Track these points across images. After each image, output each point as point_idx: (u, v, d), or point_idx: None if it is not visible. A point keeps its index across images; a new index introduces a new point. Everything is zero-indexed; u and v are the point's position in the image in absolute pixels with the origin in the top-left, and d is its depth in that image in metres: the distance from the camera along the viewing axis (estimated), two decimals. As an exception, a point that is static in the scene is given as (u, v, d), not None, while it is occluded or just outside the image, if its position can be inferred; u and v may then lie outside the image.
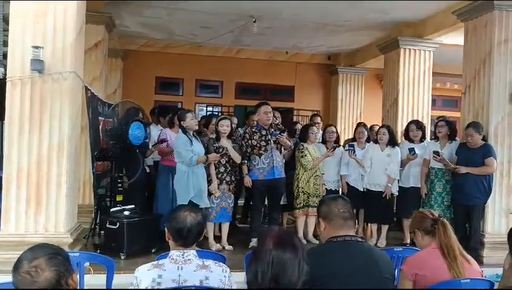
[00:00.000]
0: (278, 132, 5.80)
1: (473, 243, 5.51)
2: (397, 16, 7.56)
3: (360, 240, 2.55)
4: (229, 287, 2.36)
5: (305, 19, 7.80)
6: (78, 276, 3.05)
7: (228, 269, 2.44)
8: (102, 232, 5.60)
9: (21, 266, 1.62)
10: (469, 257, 2.84)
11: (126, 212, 5.24)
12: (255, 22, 7.70)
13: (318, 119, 7.64)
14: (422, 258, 2.81)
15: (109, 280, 3.03)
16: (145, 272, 2.35)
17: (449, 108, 11.49)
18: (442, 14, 7.10)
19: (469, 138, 5.53)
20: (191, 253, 2.40)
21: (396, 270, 2.83)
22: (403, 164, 6.17)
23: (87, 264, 4.59)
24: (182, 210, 2.46)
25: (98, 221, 5.73)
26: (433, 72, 9.30)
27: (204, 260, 2.44)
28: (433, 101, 11.30)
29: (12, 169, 4.61)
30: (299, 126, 6.93)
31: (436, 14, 7.29)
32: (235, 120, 7.12)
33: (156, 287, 2.30)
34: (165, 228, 2.46)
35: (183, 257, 2.38)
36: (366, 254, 2.50)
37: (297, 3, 6.92)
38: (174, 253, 2.40)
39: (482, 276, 2.81)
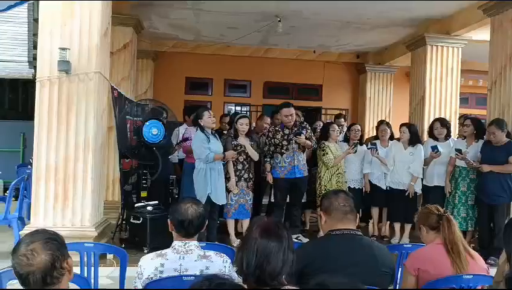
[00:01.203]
0: (302, 131, 5.83)
1: (496, 242, 5.39)
2: (423, 13, 7.48)
3: (359, 234, 2.59)
4: (229, 277, 2.44)
5: (328, 17, 7.81)
6: (92, 267, 3.22)
7: (229, 260, 2.52)
8: (128, 227, 5.81)
9: (19, 249, 1.75)
10: (474, 253, 2.82)
11: (149, 208, 5.41)
12: (279, 21, 7.77)
13: (342, 121, 7.61)
14: (425, 254, 2.82)
15: (123, 271, 3.16)
16: (149, 261, 2.47)
17: (483, 106, 11.19)
18: (469, 10, 6.98)
19: (492, 135, 5.42)
20: (193, 244, 2.50)
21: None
22: (426, 163, 6.09)
23: (111, 256, 4.86)
24: (183, 202, 2.55)
25: (124, 216, 5.93)
26: (465, 70, 9.15)
27: (205, 250, 2.53)
28: (465, 100, 11.14)
29: (41, 165, 4.84)
30: (319, 124, 6.94)
31: (463, 10, 7.16)
32: (268, 119, 7.14)
33: (158, 276, 2.41)
34: (168, 220, 2.57)
35: (184, 247, 2.48)
36: (364, 248, 2.53)
37: (317, 2, 6.93)
38: (176, 243, 2.50)
39: (488, 272, 2.79)
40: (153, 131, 5.32)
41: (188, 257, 2.46)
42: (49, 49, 4.81)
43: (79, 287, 2.51)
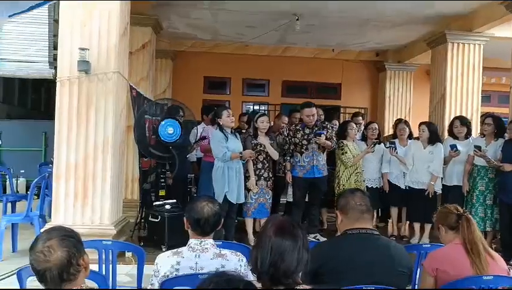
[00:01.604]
0: (322, 132, 5.80)
1: (518, 243, 5.30)
2: (444, 10, 7.35)
3: (376, 233, 2.56)
4: (244, 276, 2.44)
5: (347, 15, 7.75)
6: (110, 264, 3.25)
7: (245, 259, 2.52)
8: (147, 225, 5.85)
9: (36, 246, 1.78)
10: (494, 253, 2.77)
11: (167, 206, 5.44)
12: (297, 19, 7.73)
13: (359, 119, 7.55)
14: (444, 254, 2.77)
15: (140, 269, 3.18)
16: (165, 259, 2.49)
17: (506, 104, 10.97)
18: (491, 6, 6.84)
19: (511, 133, 5.31)
20: (209, 242, 2.51)
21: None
22: (445, 162, 6.00)
23: (129, 254, 4.91)
24: (199, 201, 2.57)
25: (143, 215, 5.99)
26: (488, 67, 8.97)
27: (221, 249, 2.54)
28: (488, 98, 10.94)
29: (61, 164, 4.92)
30: (335, 123, 6.90)
31: (485, 6, 7.02)
32: (286, 119, 7.14)
33: (174, 273, 2.43)
34: (184, 218, 2.58)
35: (200, 246, 2.49)
36: (381, 247, 2.50)
37: (336, 2, 6.89)
38: (192, 241, 2.52)
39: (509, 274, 2.73)
40: (168, 130, 5.34)
41: (203, 255, 2.47)
42: (69, 49, 4.89)
43: (96, 284, 2.54)
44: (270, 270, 1.84)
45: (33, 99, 14.75)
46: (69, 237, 1.81)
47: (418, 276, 3.15)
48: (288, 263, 1.85)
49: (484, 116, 6.20)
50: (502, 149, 5.55)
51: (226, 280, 1.47)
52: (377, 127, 6.53)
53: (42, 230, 1.92)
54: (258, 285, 1.91)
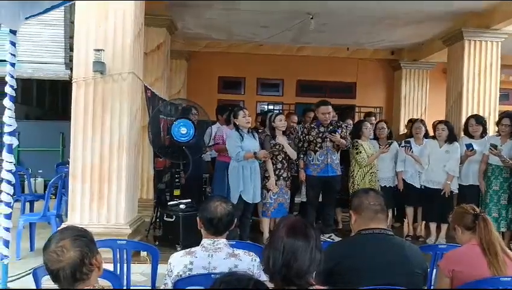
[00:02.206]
0: (337, 130, 5.79)
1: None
2: (461, 7, 7.24)
3: (390, 233, 2.53)
4: (257, 276, 2.44)
5: (361, 14, 7.69)
6: (124, 263, 3.27)
7: (258, 259, 2.52)
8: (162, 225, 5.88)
9: (49, 245, 1.80)
10: (512, 254, 2.72)
11: (182, 206, 5.46)
12: (311, 18, 7.70)
13: (372, 119, 7.48)
14: (461, 255, 2.74)
15: (154, 268, 3.20)
16: (178, 259, 2.50)
17: (525, 102, 10.83)
18: (509, 3, 6.71)
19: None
20: (222, 242, 2.51)
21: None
22: (461, 161, 5.93)
23: (144, 253, 4.94)
24: (213, 201, 2.57)
25: (158, 215, 6.02)
26: (506, 65, 8.82)
27: (234, 249, 2.54)
28: (506, 96, 10.77)
29: (77, 165, 4.97)
30: (349, 122, 6.86)
31: (502, 3, 6.89)
32: (295, 118, 7.16)
33: (187, 273, 2.44)
34: (198, 218, 2.59)
35: (213, 245, 2.49)
36: (396, 248, 2.48)
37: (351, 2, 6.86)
38: (205, 241, 2.52)
39: (527, 275, 2.68)
40: (181, 130, 5.36)
41: (216, 255, 2.47)
42: (85, 50, 4.93)
43: (110, 284, 2.56)
44: (282, 271, 1.84)
45: (50, 100, 14.93)
46: (81, 237, 1.83)
47: (434, 277, 3.11)
48: (300, 263, 1.84)
49: (501, 115, 6.10)
50: (518, 148, 5.47)
51: (236, 279, 1.48)
52: (385, 126, 6.48)
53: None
54: (271, 285, 1.91)
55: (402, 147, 6.21)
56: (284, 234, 1.89)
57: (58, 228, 4.71)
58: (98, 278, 2.64)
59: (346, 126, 6.27)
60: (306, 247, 1.87)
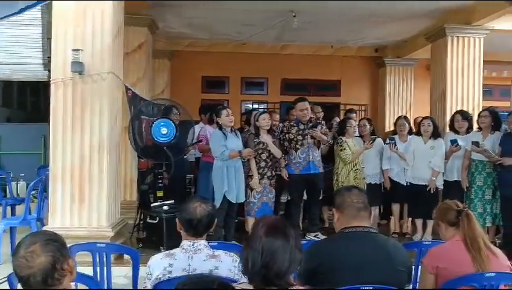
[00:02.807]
0: (317, 126, 5.77)
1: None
2: (443, 3, 7.26)
3: (373, 231, 2.50)
4: (238, 277, 2.38)
5: (344, 11, 7.68)
6: (105, 267, 3.19)
7: (239, 259, 2.46)
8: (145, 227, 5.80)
9: (19, 251, 1.72)
10: (495, 249, 2.70)
11: (165, 207, 5.39)
12: (294, 16, 7.66)
13: (353, 116, 7.47)
14: (444, 251, 2.71)
15: (135, 271, 3.13)
16: (158, 261, 2.44)
17: (507, 98, 10.92)
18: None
19: (511, 126, 5.24)
20: (202, 243, 2.45)
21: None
22: (446, 157, 5.94)
23: (128, 256, 4.85)
24: (192, 201, 2.51)
25: (142, 216, 5.93)
26: (489, 61, 8.87)
27: (215, 250, 2.48)
28: (489, 92, 10.84)
29: (57, 167, 4.87)
30: (337, 119, 6.85)
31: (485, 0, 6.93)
32: (277, 116, 7.13)
33: (167, 276, 2.37)
34: (177, 219, 2.53)
35: (193, 247, 2.43)
36: (379, 245, 2.45)
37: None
38: (185, 243, 2.46)
39: (511, 270, 2.66)
40: (162, 130, 5.28)
41: (196, 256, 2.41)
42: (63, 50, 4.84)
43: (87, 288, 2.49)
44: (261, 272, 1.79)
45: (32, 102, 14.74)
46: (52, 241, 1.75)
47: (419, 274, 3.09)
48: (280, 264, 1.79)
49: (482, 110, 6.14)
50: (501, 142, 5.48)
51: (198, 280, 1.42)
52: (367, 123, 6.48)
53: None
54: (250, 286, 1.86)
55: (387, 144, 6.21)
56: (263, 234, 1.83)
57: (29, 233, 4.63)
58: (78, 283, 2.58)
59: (333, 124, 6.25)
60: (285, 247, 1.82)
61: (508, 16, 6.75)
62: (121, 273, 4.34)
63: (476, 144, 5.47)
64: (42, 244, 1.72)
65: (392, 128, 9.16)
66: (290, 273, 1.83)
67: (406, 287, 2.51)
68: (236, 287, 1.91)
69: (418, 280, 3.05)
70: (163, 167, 5.71)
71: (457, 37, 7.66)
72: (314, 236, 5.82)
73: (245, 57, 10.43)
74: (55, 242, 1.76)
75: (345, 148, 5.97)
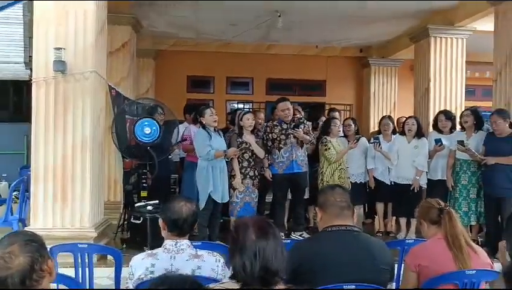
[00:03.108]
0: (299, 125, 5.79)
1: (504, 237, 5.28)
2: (427, 4, 7.34)
3: (356, 230, 2.51)
4: (222, 277, 2.38)
5: (329, 11, 7.71)
6: (87, 268, 3.16)
7: (222, 259, 2.46)
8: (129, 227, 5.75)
9: None
10: (476, 247, 2.74)
11: (149, 207, 5.34)
12: (279, 16, 7.67)
13: (336, 114, 7.51)
14: (426, 249, 2.74)
15: (117, 271, 3.11)
16: (140, 261, 2.42)
17: (490, 98, 11.02)
18: (474, 0, 6.82)
19: (494, 125, 5.30)
20: (185, 243, 2.44)
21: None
22: (430, 156, 5.99)
23: (111, 257, 4.82)
24: (176, 201, 2.49)
25: (126, 217, 5.89)
26: (471, 61, 8.98)
27: (198, 250, 2.47)
28: (472, 92, 10.97)
29: (39, 166, 4.79)
30: (323, 119, 6.88)
31: (468, 0, 7.01)
32: (262, 115, 7.14)
33: (149, 276, 2.35)
34: (159, 220, 2.51)
35: (176, 247, 2.42)
36: (361, 244, 2.46)
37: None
38: (167, 242, 2.45)
39: (492, 267, 2.69)
40: (145, 130, 5.24)
41: (179, 256, 2.40)
42: (44, 49, 4.76)
43: (68, 288, 2.46)
44: (260, 274, 1.79)
45: (15, 102, 14.51)
46: (31, 242, 1.72)
47: (402, 272, 3.11)
48: (276, 263, 1.81)
49: (464, 110, 6.22)
50: (485, 142, 5.53)
51: (172, 280, 1.41)
52: (352, 123, 6.51)
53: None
54: (234, 286, 1.85)
55: (371, 143, 6.24)
56: (255, 237, 1.83)
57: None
58: (60, 284, 2.55)
59: (319, 123, 6.26)
60: (277, 245, 1.85)
61: (491, 17, 6.80)
62: (104, 274, 4.29)
63: (461, 143, 5.53)
64: (21, 245, 1.69)
65: (376, 128, 9.23)
66: (284, 269, 1.85)
67: (389, 286, 2.53)
68: (218, 287, 1.90)
69: (401, 278, 3.08)
70: (147, 167, 5.67)
71: (440, 37, 7.76)
72: (300, 235, 5.83)
73: (230, 56, 10.40)
74: (34, 243, 1.73)
75: (329, 148, 5.99)
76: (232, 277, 1.89)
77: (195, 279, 1.47)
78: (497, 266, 2.76)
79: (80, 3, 4.81)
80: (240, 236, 1.88)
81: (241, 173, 5.65)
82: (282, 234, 5.52)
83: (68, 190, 4.81)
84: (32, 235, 1.78)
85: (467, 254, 2.62)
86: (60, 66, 4.67)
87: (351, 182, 6.19)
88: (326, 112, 10.55)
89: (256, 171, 5.81)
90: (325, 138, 6.07)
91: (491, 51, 6.37)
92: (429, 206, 2.85)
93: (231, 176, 5.65)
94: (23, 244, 1.70)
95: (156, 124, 5.31)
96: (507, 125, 5.28)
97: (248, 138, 5.71)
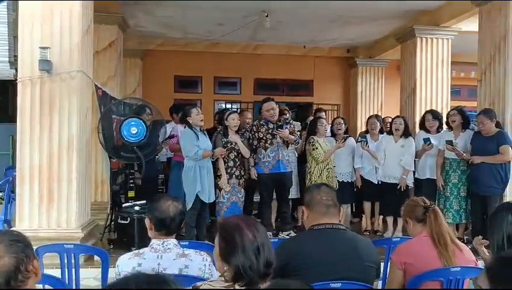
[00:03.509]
0: (285, 125, 5.82)
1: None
2: (413, 5, 7.40)
3: (342, 228, 2.52)
4: (209, 276, 2.38)
5: (316, 11, 7.74)
6: (73, 268, 3.14)
7: (209, 258, 2.46)
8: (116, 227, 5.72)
9: None
10: (461, 245, 2.77)
11: (137, 208, 5.33)
12: (267, 16, 7.68)
13: (322, 114, 7.55)
14: (412, 247, 2.76)
15: (104, 272, 3.09)
16: (126, 261, 2.41)
17: (475, 98, 11.13)
18: (458, 1, 6.89)
19: (480, 125, 5.37)
20: (171, 242, 2.44)
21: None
22: (418, 155, 6.04)
23: (98, 258, 4.79)
24: (163, 200, 2.49)
25: (113, 217, 5.85)
26: (457, 62, 9.07)
27: (185, 249, 2.47)
28: (458, 92, 11.08)
29: (25, 167, 4.75)
30: (310, 118, 6.91)
31: (452, 1, 7.09)
32: (249, 115, 7.14)
33: (136, 276, 2.34)
34: (146, 219, 2.50)
35: (163, 246, 2.41)
36: (347, 242, 2.48)
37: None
38: (154, 242, 2.44)
39: (476, 264, 2.73)
40: (132, 130, 5.21)
41: (166, 255, 2.40)
42: (30, 48, 4.72)
43: (53, 289, 2.44)
44: (263, 270, 1.82)
45: (0, 101, 14.36)
46: (17, 242, 1.71)
47: (388, 269, 3.14)
48: (272, 255, 1.87)
49: (451, 110, 6.28)
50: (471, 142, 5.60)
51: (142, 279, 1.40)
52: (342, 122, 6.55)
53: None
54: (222, 284, 1.85)
55: (358, 142, 6.29)
56: (251, 236, 1.84)
57: None
58: (46, 285, 2.53)
59: (308, 123, 6.28)
60: (267, 237, 1.92)
61: (476, 18, 6.89)
62: (91, 275, 4.28)
63: (449, 143, 5.59)
64: (6, 245, 1.67)
65: (364, 128, 9.29)
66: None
67: (375, 283, 2.55)
68: (207, 286, 1.90)
69: (387, 276, 3.10)
70: (135, 167, 5.65)
71: (426, 38, 7.82)
72: (287, 235, 5.84)
73: (218, 56, 10.39)
74: (19, 243, 1.71)
75: (316, 148, 6.01)
76: (233, 279, 1.86)
77: (163, 276, 1.45)
78: (482, 263, 2.80)
79: (65, 3, 4.78)
80: (236, 237, 1.85)
81: (227, 172, 5.65)
82: (270, 233, 5.53)
83: (54, 190, 4.77)
84: (17, 235, 1.76)
85: (452, 252, 2.65)
86: (46, 65, 4.63)
87: (338, 181, 6.22)
88: (313, 112, 10.68)
89: (242, 171, 5.81)
90: (312, 138, 6.10)
91: (476, 52, 6.44)
92: (415, 204, 2.88)
93: (217, 176, 5.65)
94: (8, 244, 1.68)
95: (143, 123, 5.28)
96: (493, 124, 5.36)
97: (234, 137, 5.71)
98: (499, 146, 5.32)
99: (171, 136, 5.95)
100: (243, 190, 5.80)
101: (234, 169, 5.70)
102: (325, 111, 8.10)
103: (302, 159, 6.31)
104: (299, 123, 7.38)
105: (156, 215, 2.46)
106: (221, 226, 1.97)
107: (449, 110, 6.37)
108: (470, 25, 7.44)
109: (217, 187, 5.62)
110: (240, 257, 1.80)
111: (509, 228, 2.05)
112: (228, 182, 5.62)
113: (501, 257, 1.68)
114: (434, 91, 7.84)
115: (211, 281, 1.98)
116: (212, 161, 5.54)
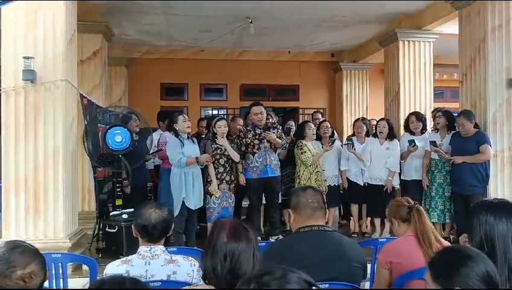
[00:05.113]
0: (273, 130, 5.85)
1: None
2: (394, 8, 7.50)
3: (328, 229, 2.55)
4: (197, 281, 2.39)
5: (300, 16, 7.80)
6: (61, 278, 3.13)
7: (197, 263, 2.47)
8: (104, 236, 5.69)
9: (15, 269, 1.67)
10: (446, 243, 2.81)
11: (125, 216, 5.31)
12: (251, 22, 7.72)
13: (319, 116, 7.63)
14: (397, 246, 2.80)
15: (92, 280, 3.07)
16: (114, 268, 2.41)
17: (457, 99, 11.29)
18: (438, 4, 7.01)
19: (461, 127, 5.47)
20: (159, 248, 2.45)
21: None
22: (403, 157, 6.12)
23: (86, 267, 4.76)
24: (147, 207, 2.50)
25: (101, 226, 5.82)
26: (440, 64, 9.18)
27: (172, 255, 2.47)
28: (441, 94, 11.23)
29: (10, 177, 4.73)
30: (291, 123, 6.96)
31: (433, 4, 7.20)
32: (241, 121, 7.13)
33: (123, 283, 2.34)
34: (132, 226, 2.51)
35: (150, 252, 2.42)
36: (334, 243, 2.50)
37: (287, 2, 6.92)
38: (142, 249, 2.45)
39: (460, 262, 2.76)
40: (116, 138, 5.19)
41: (154, 262, 2.40)
42: (13, 58, 4.71)
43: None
44: (227, 278, 1.77)
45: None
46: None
47: (375, 270, 3.17)
48: (245, 268, 1.78)
49: (434, 111, 6.35)
50: (450, 142, 5.69)
51: (110, 281, 1.41)
52: (329, 125, 6.61)
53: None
54: (208, 287, 1.86)
55: (345, 145, 6.35)
56: (226, 239, 1.81)
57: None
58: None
59: (289, 128, 6.31)
60: (249, 249, 1.82)
61: (455, 21, 7.01)
62: (79, 285, 4.25)
63: (433, 143, 5.67)
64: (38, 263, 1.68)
65: (350, 131, 9.36)
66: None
67: (362, 283, 2.58)
68: (194, 288, 1.92)
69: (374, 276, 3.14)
70: (122, 175, 5.63)
71: (409, 41, 7.92)
72: (276, 239, 5.85)
73: (204, 63, 10.40)
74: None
75: (305, 151, 6.05)
76: (203, 278, 1.89)
77: (134, 278, 1.46)
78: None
79: (49, 11, 4.78)
80: (214, 236, 1.87)
81: (217, 178, 5.65)
82: (260, 238, 5.54)
83: (41, 200, 4.75)
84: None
85: (437, 250, 2.68)
86: (29, 75, 4.62)
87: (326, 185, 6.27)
88: (302, 116, 10.75)
89: (232, 176, 5.83)
90: (301, 142, 6.13)
91: (457, 53, 6.55)
92: (399, 204, 2.93)
93: (207, 182, 5.65)
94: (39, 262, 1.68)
95: (127, 132, 5.26)
96: (472, 125, 5.46)
97: (221, 141, 5.71)
98: (479, 146, 5.41)
99: (160, 150, 5.95)
100: (233, 195, 5.81)
101: (224, 174, 5.71)
102: (321, 113, 8.17)
103: (285, 163, 6.33)
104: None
105: (139, 222, 2.47)
106: (215, 223, 1.98)
107: (434, 112, 6.44)
108: (451, 27, 7.56)
109: (208, 193, 5.62)
110: (207, 257, 1.83)
111: (486, 226, 2.08)
112: (219, 188, 5.62)
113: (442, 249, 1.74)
114: (418, 93, 7.93)
115: (196, 285, 1.99)
116: (201, 167, 5.54)
